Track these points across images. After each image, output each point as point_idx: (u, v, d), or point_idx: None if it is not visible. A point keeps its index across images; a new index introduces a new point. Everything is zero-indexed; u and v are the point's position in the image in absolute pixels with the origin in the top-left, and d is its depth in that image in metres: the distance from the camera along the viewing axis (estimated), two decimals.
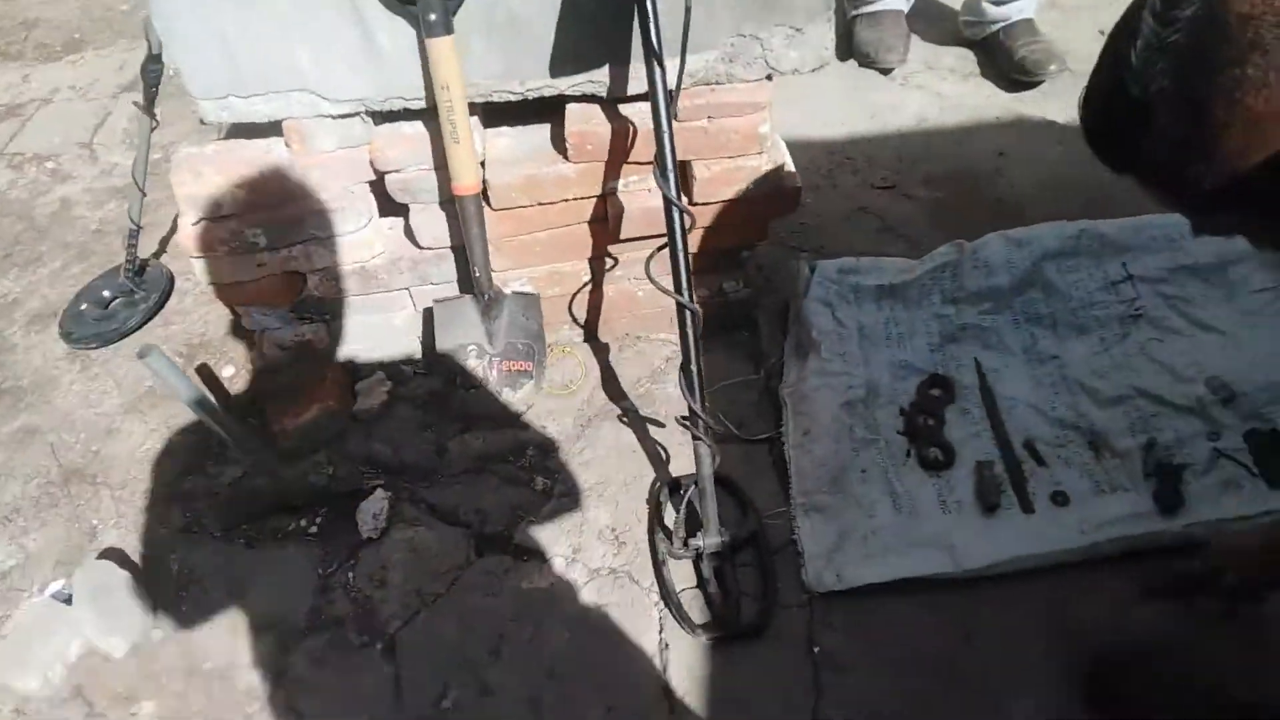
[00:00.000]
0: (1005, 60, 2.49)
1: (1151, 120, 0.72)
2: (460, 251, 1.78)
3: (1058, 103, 2.42)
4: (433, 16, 1.41)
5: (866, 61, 2.59)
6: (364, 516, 1.68)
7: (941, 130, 2.39)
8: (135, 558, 1.67)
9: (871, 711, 1.39)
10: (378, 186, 1.70)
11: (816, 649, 1.46)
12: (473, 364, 1.81)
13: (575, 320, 1.94)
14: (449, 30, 1.44)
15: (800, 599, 1.52)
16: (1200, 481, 1.58)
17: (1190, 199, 0.77)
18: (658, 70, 1.41)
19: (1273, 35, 0.65)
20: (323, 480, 1.74)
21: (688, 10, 1.36)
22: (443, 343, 1.80)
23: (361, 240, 1.75)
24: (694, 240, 1.76)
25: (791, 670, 1.44)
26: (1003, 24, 2.50)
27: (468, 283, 1.81)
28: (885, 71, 2.59)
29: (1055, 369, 1.79)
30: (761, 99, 1.61)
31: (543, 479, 1.73)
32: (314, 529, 1.70)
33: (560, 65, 1.54)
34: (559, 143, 1.65)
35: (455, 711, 1.44)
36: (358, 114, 1.58)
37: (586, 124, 1.60)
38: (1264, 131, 0.68)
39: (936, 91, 2.52)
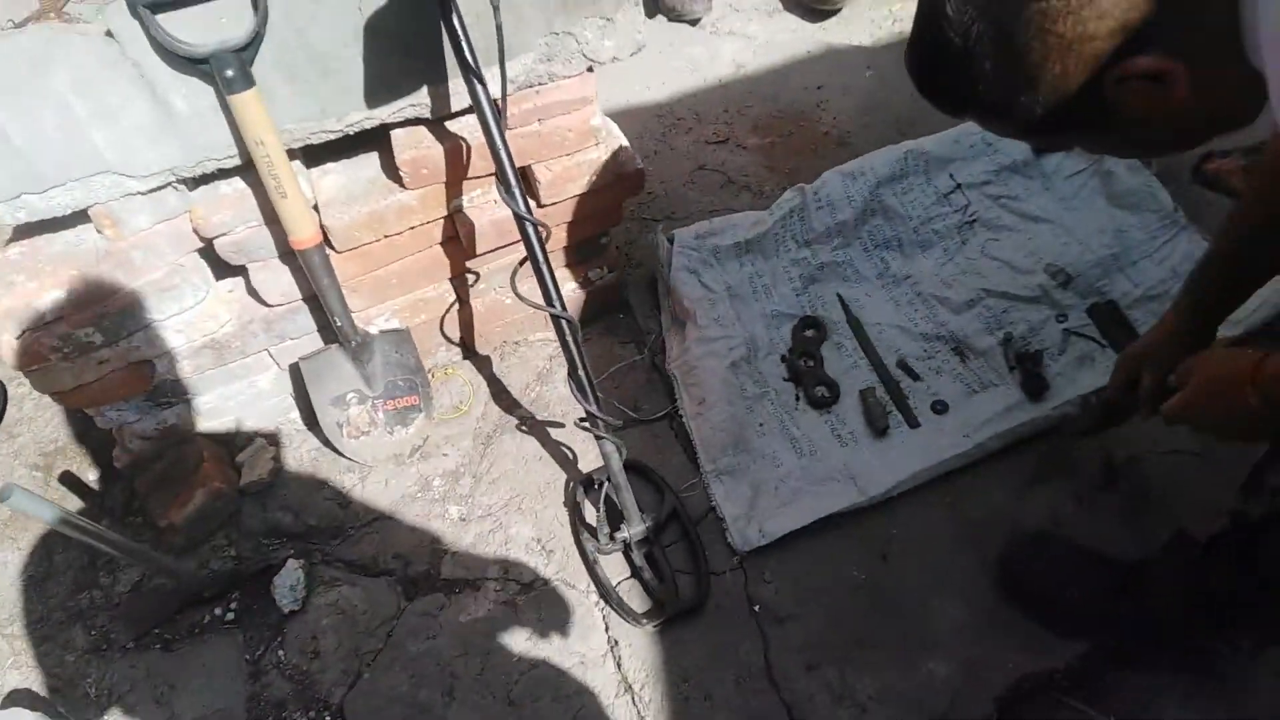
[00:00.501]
0: None
1: (975, 65, 0.76)
2: (314, 300, 1.69)
3: (858, 26, 2.49)
4: (230, 72, 1.32)
5: (674, 15, 2.59)
6: (280, 590, 1.61)
7: (760, 74, 2.43)
8: (45, 693, 1.55)
9: (816, 648, 1.45)
10: (209, 252, 1.59)
11: (756, 607, 1.51)
12: (355, 411, 1.74)
13: (450, 340, 1.90)
14: (250, 82, 1.34)
15: (731, 562, 1.57)
16: (1058, 363, 1.71)
17: (1026, 129, 0.81)
18: (479, 86, 1.37)
19: None
20: (227, 564, 1.66)
21: (498, 19, 1.32)
22: (318, 398, 1.72)
23: (205, 312, 1.64)
24: (551, 240, 1.73)
25: (737, 632, 1.49)
26: None
27: (330, 331, 1.73)
28: (693, 22, 2.60)
29: (910, 288, 1.88)
30: (588, 92, 1.59)
31: (456, 507, 1.70)
32: (230, 615, 1.61)
33: (376, 94, 1.47)
34: (392, 171, 1.59)
35: None
36: (169, 184, 1.47)
37: (416, 148, 1.54)
38: (1079, 54, 0.72)
39: (746, 34, 2.55)
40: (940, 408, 1.69)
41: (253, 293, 1.67)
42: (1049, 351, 1.72)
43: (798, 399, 1.74)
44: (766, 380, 1.77)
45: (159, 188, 1.45)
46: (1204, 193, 1.97)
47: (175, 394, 1.73)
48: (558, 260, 1.83)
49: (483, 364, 1.90)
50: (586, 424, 1.52)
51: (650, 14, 2.61)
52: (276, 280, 1.65)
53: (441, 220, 1.67)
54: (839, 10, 2.50)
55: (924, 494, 1.60)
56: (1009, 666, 1.39)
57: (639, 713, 1.42)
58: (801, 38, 2.50)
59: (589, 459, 1.73)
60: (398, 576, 1.62)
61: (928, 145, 2.02)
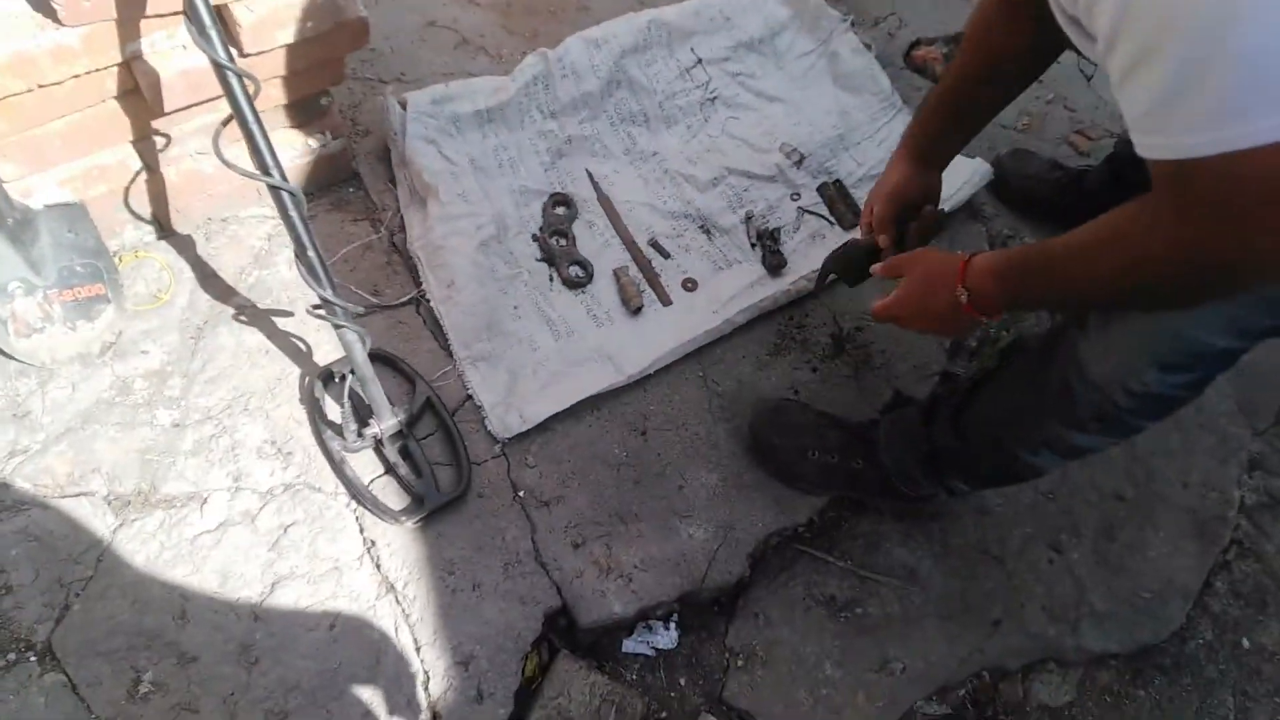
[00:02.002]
0: None
1: None
2: None
3: None
4: None
5: None
6: None
7: None
8: None
9: (581, 526, 1.41)
10: None
11: (520, 493, 1.42)
12: (22, 304, 1.37)
13: (139, 217, 1.54)
14: None
15: (493, 450, 1.46)
16: (794, 240, 1.73)
17: None
18: None
19: None
20: None
21: None
22: None
23: None
24: (261, 98, 1.43)
25: (502, 520, 1.40)
26: None
27: None
28: None
29: (657, 164, 1.80)
30: None
31: (167, 412, 1.42)
32: None
33: None
34: (44, 6, 1.20)
35: (159, 691, 1.21)
36: None
37: None
38: None
39: None
40: (690, 285, 1.66)
41: None
42: (785, 229, 1.74)
43: (551, 279, 1.63)
44: (518, 260, 1.63)
45: None
46: (914, 78, 2.06)
47: None
48: (271, 123, 1.53)
49: (184, 245, 1.58)
50: (321, 311, 1.30)
51: None
52: None
53: (115, 68, 1.31)
54: None
55: (678, 369, 1.58)
56: (759, 526, 1.44)
57: (403, 611, 1.31)
58: None
59: (325, 351, 1.51)
60: (102, 495, 1.33)
61: (669, 15, 1.92)
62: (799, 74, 1.96)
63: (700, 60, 1.90)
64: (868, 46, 1.99)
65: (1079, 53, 0.96)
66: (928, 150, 1.34)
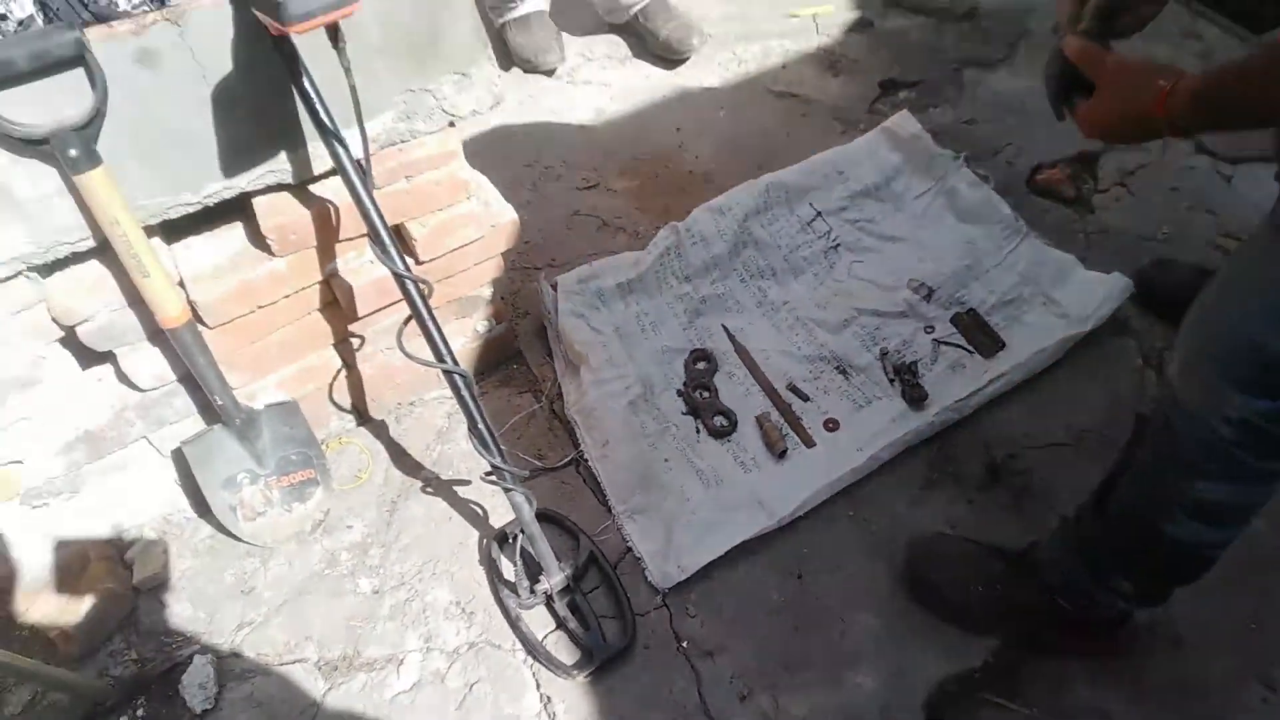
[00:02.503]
0: (652, 41, 2.53)
1: None
2: (191, 380, 1.53)
3: (708, 70, 2.51)
4: (73, 152, 1.17)
5: (529, 67, 2.54)
6: (190, 690, 1.43)
7: (620, 119, 2.40)
8: None
9: (746, 677, 1.40)
10: (72, 339, 1.41)
11: (684, 643, 1.44)
12: (248, 492, 1.58)
13: (341, 408, 1.75)
14: (97, 161, 1.20)
15: (654, 601, 1.50)
16: (932, 371, 1.74)
17: None
18: (339, 147, 1.27)
19: None
20: (129, 669, 1.46)
21: (350, 80, 1.22)
22: (207, 482, 1.55)
23: (72, 404, 1.45)
24: (435, 296, 1.63)
25: (668, 671, 1.42)
26: (638, 6, 2.54)
27: (212, 411, 1.56)
28: (549, 73, 2.55)
29: (788, 313, 1.88)
30: (453, 147, 1.51)
31: (367, 580, 1.56)
32: None
33: (234, 163, 1.34)
34: (259, 240, 1.45)
35: None
36: (19, 274, 1.29)
37: (282, 215, 1.42)
38: None
39: (602, 82, 2.52)
40: (832, 425, 1.68)
41: (124, 378, 1.49)
42: (923, 361, 1.75)
43: (698, 431, 1.70)
44: (666, 416, 1.72)
45: (8, 278, 1.28)
46: (1039, 200, 2.07)
47: (50, 494, 1.52)
48: (444, 315, 1.73)
49: (378, 429, 1.77)
50: (493, 478, 1.42)
51: (505, 67, 2.55)
52: (148, 363, 1.48)
53: (317, 285, 1.54)
54: (687, 58, 2.50)
55: (828, 510, 1.58)
56: (930, 671, 1.38)
57: None
58: (655, 84, 2.50)
59: (500, 514, 1.62)
60: (314, 661, 1.46)
61: (785, 177, 2.04)
62: (919, 213, 2.01)
63: (819, 213, 2.00)
64: (984, 178, 2.02)
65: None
66: None
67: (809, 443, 1.67)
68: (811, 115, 2.35)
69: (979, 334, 1.77)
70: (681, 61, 2.52)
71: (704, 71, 2.50)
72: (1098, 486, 1.28)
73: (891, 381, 1.73)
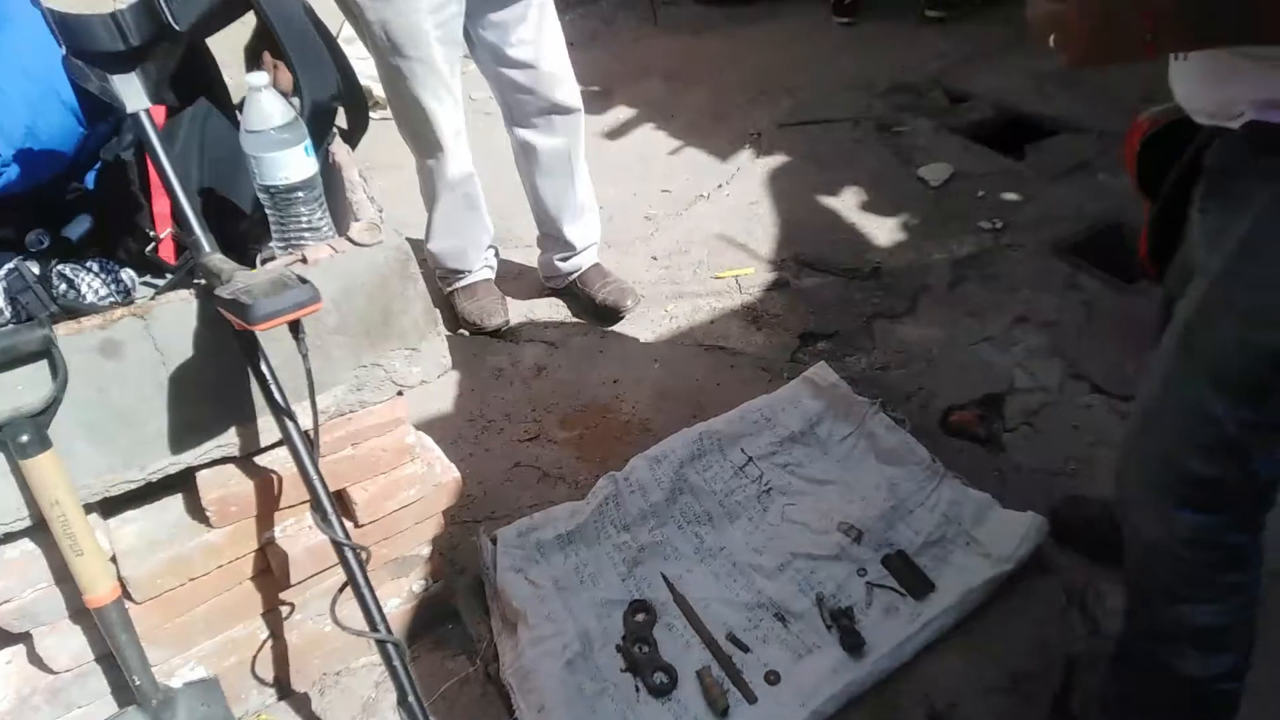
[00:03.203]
0: (589, 304, 2.74)
1: None
2: (109, 658, 1.46)
3: (642, 326, 2.69)
4: (24, 438, 1.21)
5: (475, 329, 2.70)
6: None
7: (560, 373, 2.53)
8: None
9: None
10: None
11: None
12: None
13: (263, 681, 1.68)
14: (46, 445, 1.23)
15: None
16: (869, 616, 1.75)
17: None
18: (289, 423, 1.33)
19: None
20: None
21: (307, 364, 1.31)
22: None
23: None
24: (372, 559, 1.63)
25: None
26: (576, 273, 2.76)
27: (127, 691, 1.49)
28: (494, 333, 2.70)
29: (726, 559, 1.90)
30: (400, 414, 1.58)
31: None
32: None
33: (182, 441, 1.39)
34: (197, 512, 1.47)
35: None
36: None
37: (224, 487, 1.44)
38: None
39: (544, 340, 2.67)
40: (773, 678, 1.66)
41: (35, 660, 1.43)
42: (858, 605, 1.77)
43: (637, 689, 1.66)
44: (604, 674, 1.68)
45: None
46: (953, 441, 2.19)
47: None
48: (380, 577, 1.71)
49: (300, 703, 1.69)
50: None
51: (453, 329, 2.71)
52: (65, 644, 1.43)
53: (252, 554, 1.54)
54: (623, 317, 2.70)
55: None
56: None
57: None
58: (594, 340, 2.66)
59: None
60: None
61: (717, 425, 2.14)
62: (843, 456, 2.11)
63: (751, 458, 2.09)
64: (901, 421, 2.15)
65: None
66: None
67: (750, 698, 1.63)
68: (739, 366, 2.51)
69: (909, 575, 1.80)
70: (617, 320, 2.71)
71: (638, 328, 2.69)
72: (1113, 651, 1.36)
73: (829, 628, 1.73)
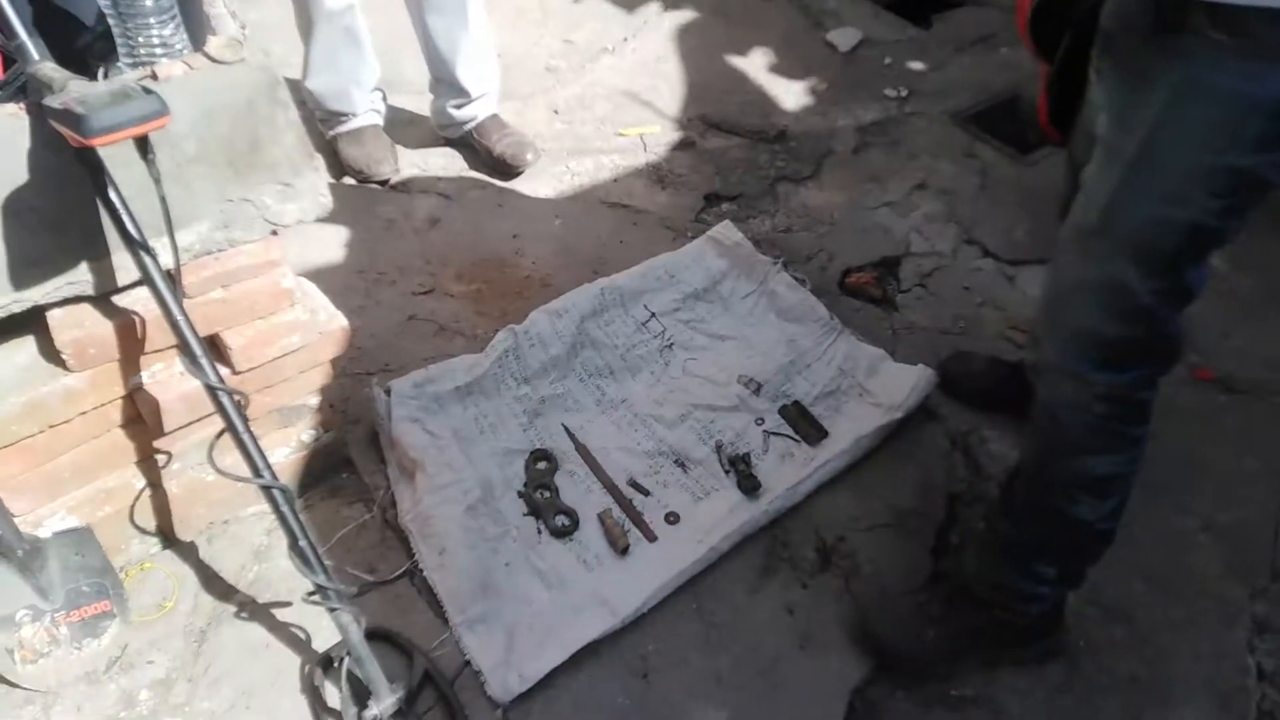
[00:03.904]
0: (486, 156, 2.59)
1: None
2: None
3: (542, 182, 2.58)
4: None
5: (363, 178, 2.52)
6: None
7: (456, 226, 2.41)
8: None
9: None
10: None
11: None
12: (29, 632, 1.39)
13: (143, 530, 1.59)
14: None
15: (495, 716, 1.41)
16: (765, 461, 1.79)
17: None
18: (147, 259, 1.20)
19: None
20: None
21: (160, 191, 1.17)
22: None
23: None
24: (257, 406, 1.54)
25: None
26: (472, 123, 2.59)
27: None
28: (383, 183, 2.54)
29: (627, 410, 1.90)
30: (274, 255, 1.45)
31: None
32: None
33: (23, 276, 1.24)
34: (52, 354, 1.33)
35: None
36: None
37: (80, 328, 1.31)
38: None
39: (438, 192, 2.53)
40: (673, 518, 1.69)
41: None
42: (755, 452, 1.80)
43: (539, 532, 1.66)
44: (506, 518, 1.67)
45: None
46: (850, 300, 2.22)
47: None
48: (265, 427, 1.63)
49: (187, 552, 1.61)
50: (316, 598, 1.32)
51: (337, 176, 2.53)
52: None
53: (120, 400, 1.42)
54: (522, 172, 2.57)
55: (671, 604, 1.57)
56: None
57: None
58: (491, 194, 2.54)
59: (326, 636, 1.50)
60: None
61: (620, 281, 2.10)
62: (745, 313, 2.11)
63: (654, 314, 2.06)
64: (802, 281, 2.16)
65: None
66: None
67: (650, 537, 1.66)
68: (642, 225, 2.45)
69: (804, 424, 1.85)
70: (516, 174, 2.58)
71: (539, 184, 2.57)
72: (1000, 494, 1.47)
73: (727, 473, 1.76)
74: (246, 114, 1.32)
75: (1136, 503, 1.65)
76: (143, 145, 1.14)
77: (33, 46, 1.20)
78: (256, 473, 1.30)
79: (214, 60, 1.28)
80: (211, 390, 1.26)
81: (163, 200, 1.19)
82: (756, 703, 1.44)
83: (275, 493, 1.30)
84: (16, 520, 1.38)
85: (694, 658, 1.50)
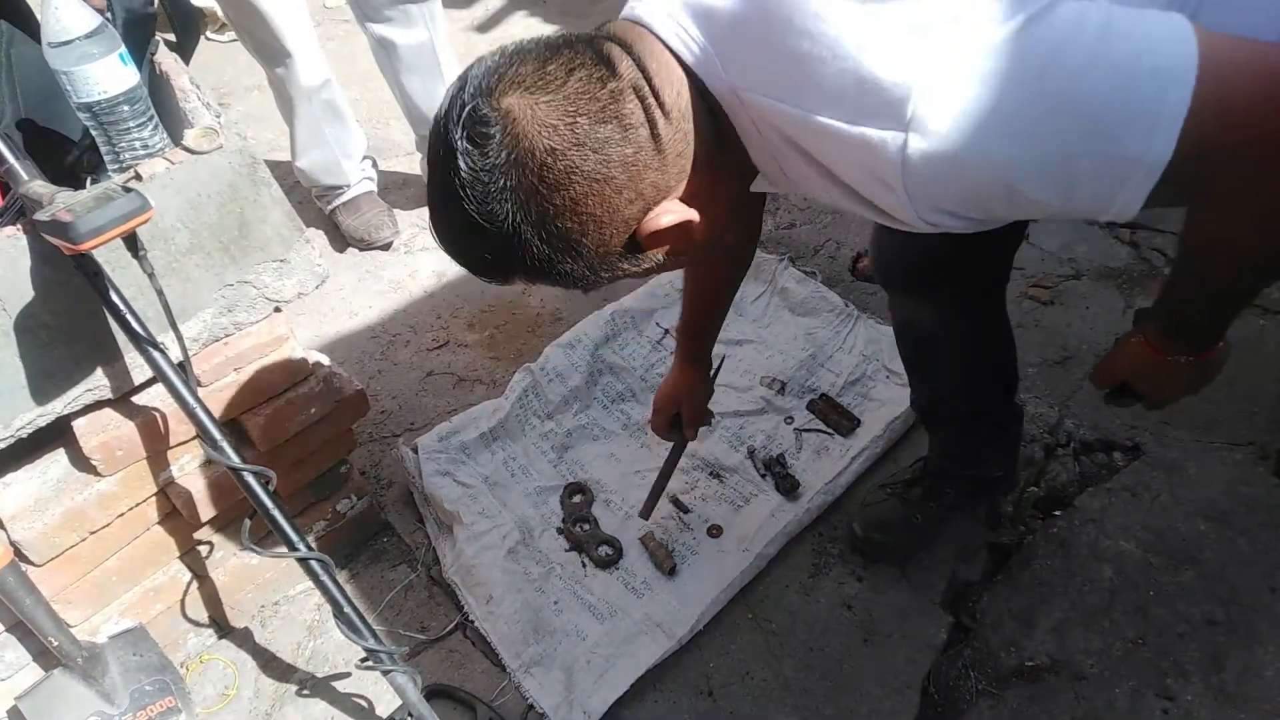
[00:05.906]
0: None
1: (516, 249, 0.80)
2: (23, 626, 1.39)
3: None
4: None
5: (364, 245, 2.58)
6: None
7: (461, 278, 2.44)
8: None
9: None
10: None
11: None
12: None
13: (196, 623, 1.62)
14: None
15: None
16: (800, 459, 1.77)
17: (571, 284, 0.87)
18: (157, 355, 1.24)
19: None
20: None
21: (156, 285, 1.21)
22: None
23: None
24: (283, 485, 1.56)
25: None
26: None
27: (50, 654, 1.42)
28: (385, 247, 2.59)
29: None
30: (281, 331, 1.48)
31: None
32: None
33: (44, 390, 1.28)
34: (83, 462, 1.37)
35: None
36: None
37: (105, 432, 1.35)
38: (614, 224, 0.81)
39: (439, 250, 2.56)
40: (715, 531, 1.68)
41: None
42: (789, 451, 1.79)
43: (584, 565, 1.66)
44: (549, 557, 1.67)
45: None
46: (865, 285, 2.20)
47: None
48: (299, 502, 1.66)
49: (242, 638, 1.64)
50: (369, 663, 1.33)
51: (341, 249, 2.58)
52: None
53: (154, 498, 1.46)
54: None
55: (726, 618, 1.56)
56: None
57: None
58: None
59: (388, 701, 1.51)
60: None
61: (629, 303, 2.11)
62: (758, 314, 2.11)
63: (666, 330, 2.07)
64: (811, 274, 2.15)
65: None
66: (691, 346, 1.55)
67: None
68: None
69: (835, 415, 1.83)
70: None
71: None
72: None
73: (763, 476, 1.75)
74: (231, 198, 1.36)
75: (1188, 441, 1.62)
76: (132, 243, 1.18)
77: (22, 169, 1.25)
78: (292, 547, 1.32)
79: (192, 151, 1.32)
80: (235, 472, 1.29)
81: (160, 294, 1.22)
82: (827, 704, 1.42)
83: (313, 564, 1.32)
84: (72, 630, 1.42)
85: (756, 668, 1.48)
